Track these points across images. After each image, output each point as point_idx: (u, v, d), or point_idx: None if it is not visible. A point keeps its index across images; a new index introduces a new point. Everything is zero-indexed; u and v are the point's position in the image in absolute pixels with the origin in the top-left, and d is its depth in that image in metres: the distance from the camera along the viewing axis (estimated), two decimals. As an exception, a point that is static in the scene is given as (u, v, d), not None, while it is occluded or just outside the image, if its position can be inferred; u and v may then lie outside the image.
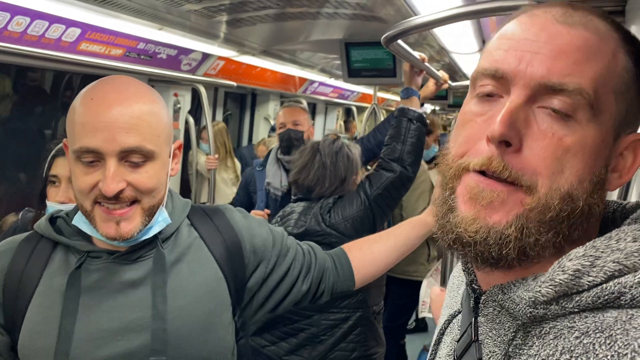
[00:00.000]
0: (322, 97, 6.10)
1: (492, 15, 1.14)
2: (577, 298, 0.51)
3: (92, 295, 1.03)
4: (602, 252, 0.51)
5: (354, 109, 8.04)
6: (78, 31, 2.34)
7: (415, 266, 3.33)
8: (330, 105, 7.00)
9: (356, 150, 2.20)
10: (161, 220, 1.06)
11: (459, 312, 0.73)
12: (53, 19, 2.18)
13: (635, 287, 0.48)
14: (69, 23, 2.26)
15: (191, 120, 3.79)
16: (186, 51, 3.14)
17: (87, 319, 1.02)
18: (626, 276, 0.49)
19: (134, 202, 1.00)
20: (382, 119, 4.37)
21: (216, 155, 3.85)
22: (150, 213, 1.03)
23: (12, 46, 2.06)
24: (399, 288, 3.37)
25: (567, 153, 0.53)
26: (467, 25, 2.15)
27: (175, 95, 3.54)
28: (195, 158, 3.92)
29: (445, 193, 0.59)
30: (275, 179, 2.82)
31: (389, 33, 1.12)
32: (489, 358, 0.58)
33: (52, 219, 1.11)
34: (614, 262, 0.50)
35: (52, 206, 1.51)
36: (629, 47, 0.56)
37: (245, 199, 3.00)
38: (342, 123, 7.92)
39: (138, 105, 0.98)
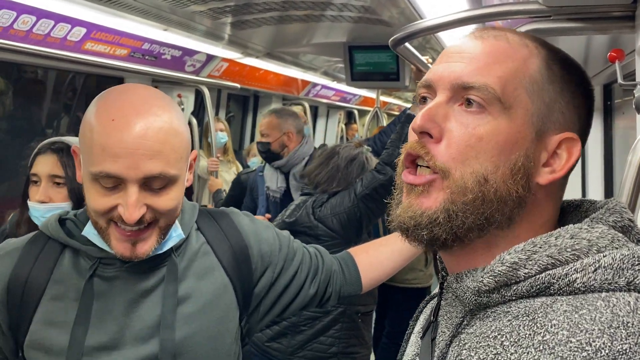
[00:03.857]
0: (325, 100, 6.11)
1: (500, 19, 1.14)
2: (515, 287, 0.57)
3: (106, 303, 1.02)
4: (539, 247, 0.58)
5: (356, 112, 8.04)
6: (83, 30, 2.35)
7: (414, 273, 3.32)
8: (332, 109, 7.01)
9: (373, 163, 2.28)
10: (175, 236, 1.05)
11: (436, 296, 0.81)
12: (59, 18, 2.18)
13: (562, 278, 0.55)
14: (75, 22, 2.27)
15: (194, 121, 3.79)
16: (190, 52, 3.14)
17: (98, 327, 1.00)
18: (557, 268, 0.56)
19: (151, 222, 0.98)
20: (385, 122, 4.37)
21: (218, 155, 3.85)
22: (166, 231, 1.01)
23: (18, 44, 2.07)
24: (400, 296, 3.37)
25: (480, 141, 0.61)
26: (472, 29, 2.15)
27: (179, 96, 3.54)
28: (197, 160, 3.92)
29: (396, 192, 0.69)
30: (272, 181, 2.85)
31: (397, 35, 1.12)
32: (440, 337, 0.67)
33: (61, 220, 1.09)
34: (548, 257, 0.57)
35: (32, 206, 1.46)
36: (545, 54, 0.66)
37: (251, 205, 3.01)
38: (343, 126, 7.92)
39: (162, 125, 0.93)
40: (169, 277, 1.04)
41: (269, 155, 2.82)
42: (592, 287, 0.54)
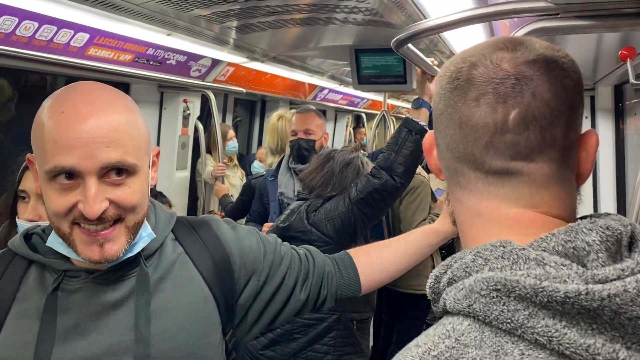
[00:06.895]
0: (332, 104, 6.09)
1: (505, 18, 1.11)
2: (439, 301, 0.58)
3: (70, 318, 0.96)
4: (455, 261, 0.57)
5: (364, 116, 8.01)
6: (87, 36, 2.34)
7: (419, 279, 3.25)
8: (340, 112, 6.98)
9: (369, 168, 2.26)
10: (145, 236, 0.99)
11: None
12: (62, 24, 2.17)
13: (448, 296, 0.56)
14: (78, 28, 2.26)
15: (200, 126, 3.78)
16: (196, 57, 3.13)
17: (64, 344, 0.94)
18: (452, 285, 0.56)
19: (117, 220, 0.92)
20: (392, 126, 4.34)
21: (225, 161, 3.83)
22: (135, 230, 0.95)
23: (21, 51, 2.06)
24: (405, 302, 3.31)
25: None
26: (479, 31, 2.11)
27: (185, 101, 3.53)
28: (203, 166, 3.90)
29: None
30: (288, 188, 2.80)
31: (399, 36, 1.09)
32: None
33: (27, 236, 1.04)
34: (452, 272, 0.57)
35: (21, 224, 1.39)
36: None
37: (261, 210, 2.98)
38: (351, 130, 7.89)
39: (115, 115, 0.89)
40: (140, 288, 0.98)
41: (310, 154, 2.71)
42: (451, 308, 0.55)
